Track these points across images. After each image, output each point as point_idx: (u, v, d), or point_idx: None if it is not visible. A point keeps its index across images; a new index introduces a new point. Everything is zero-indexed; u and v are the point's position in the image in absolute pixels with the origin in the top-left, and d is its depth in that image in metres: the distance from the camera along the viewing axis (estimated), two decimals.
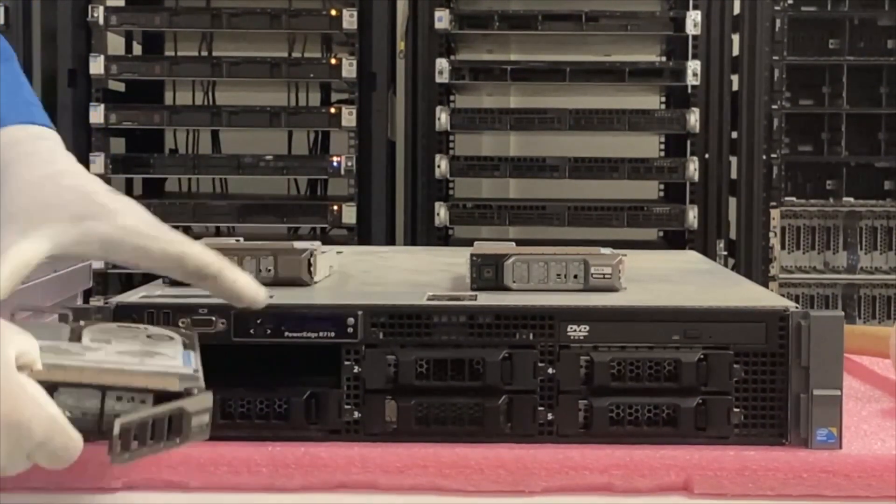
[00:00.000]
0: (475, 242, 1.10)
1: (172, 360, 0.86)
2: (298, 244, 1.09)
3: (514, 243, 1.10)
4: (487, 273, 1.05)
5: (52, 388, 0.82)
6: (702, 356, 0.94)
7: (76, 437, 0.81)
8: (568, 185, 3.50)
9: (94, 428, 0.82)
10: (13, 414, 0.79)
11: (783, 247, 3.59)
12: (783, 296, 1.79)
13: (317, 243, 1.10)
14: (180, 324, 0.94)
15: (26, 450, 0.81)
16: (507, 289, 1.04)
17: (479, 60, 3.66)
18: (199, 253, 0.92)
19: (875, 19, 3.61)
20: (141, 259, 0.92)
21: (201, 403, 0.84)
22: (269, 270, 1.06)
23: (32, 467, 0.82)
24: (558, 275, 1.04)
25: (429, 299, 0.97)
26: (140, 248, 0.92)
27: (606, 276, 1.04)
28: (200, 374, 0.86)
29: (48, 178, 0.94)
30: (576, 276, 1.05)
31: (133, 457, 0.81)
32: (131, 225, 0.92)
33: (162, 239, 0.92)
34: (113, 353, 0.85)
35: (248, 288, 0.92)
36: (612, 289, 1.04)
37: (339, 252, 1.28)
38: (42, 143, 0.98)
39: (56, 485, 0.91)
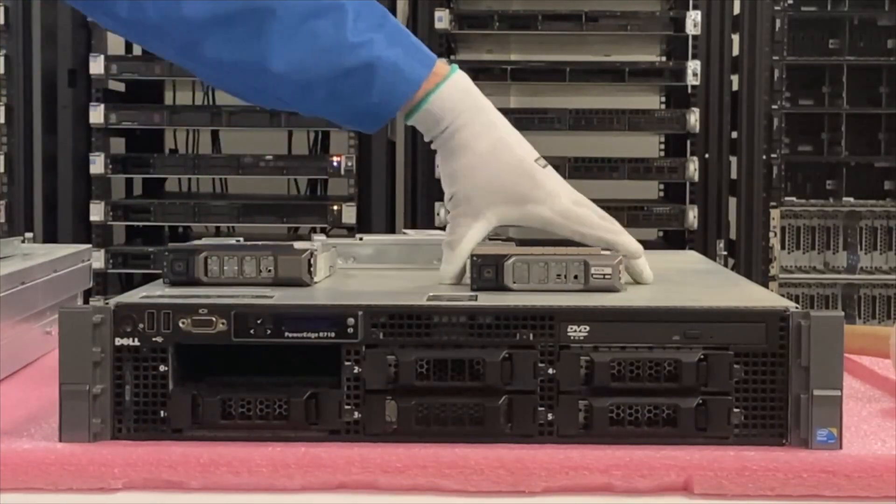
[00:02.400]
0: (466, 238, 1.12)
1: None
2: (299, 244, 1.09)
3: (514, 243, 1.10)
4: (488, 273, 1.05)
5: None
6: (702, 356, 0.94)
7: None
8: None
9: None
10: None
11: (783, 247, 3.59)
12: (783, 296, 1.79)
13: (321, 236, 1.11)
14: (181, 324, 0.94)
15: None
16: (507, 289, 1.04)
17: (479, 60, 3.66)
18: (628, 243, 1.12)
19: (875, 19, 3.61)
20: (577, 239, 1.12)
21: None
22: (269, 270, 1.06)
23: (33, 467, 0.83)
24: (558, 275, 1.05)
25: (429, 299, 0.97)
26: (578, 234, 1.12)
27: (607, 276, 1.05)
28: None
29: (494, 152, 1.13)
30: (576, 277, 1.05)
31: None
32: (567, 210, 1.13)
33: (597, 227, 1.12)
34: None
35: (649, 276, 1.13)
36: (612, 289, 1.04)
37: (360, 238, 1.28)
38: (479, 103, 1.15)
39: (56, 485, 0.91)
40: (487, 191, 1.12)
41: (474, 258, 1.06)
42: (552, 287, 1.04)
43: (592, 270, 1.05)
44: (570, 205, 1.13)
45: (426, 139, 1.15)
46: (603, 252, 1.07)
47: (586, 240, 1.11)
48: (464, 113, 1.13)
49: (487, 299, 0.98)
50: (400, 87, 1.11)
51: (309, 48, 1.09)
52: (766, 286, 3.31)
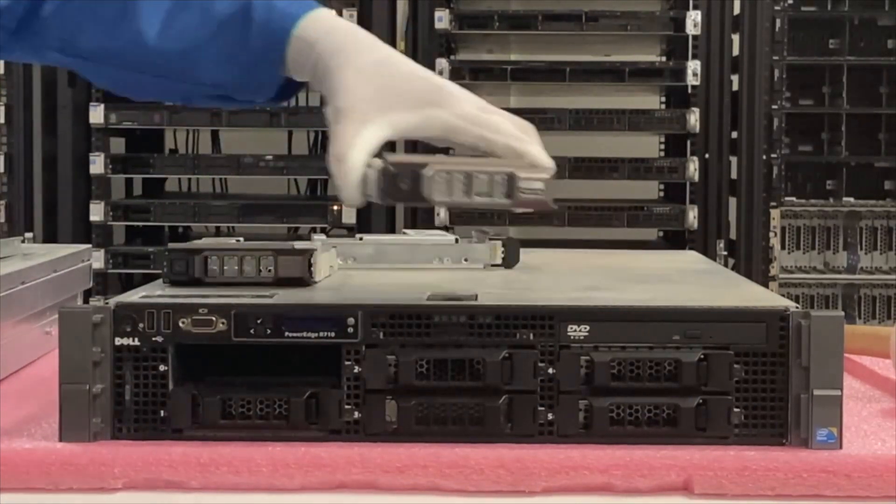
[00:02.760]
0: (384, 154, 0.99)
1: None
2: (299, 244, 1.09)
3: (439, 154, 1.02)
4: (403, 185, 0.96)
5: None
6: (702, 356, 0.94)
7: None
8: (568, 185, 3.50)
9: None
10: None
11: (783, 247, 3.59)
12: (783, 296, 1.79)
13: (321, 236, 1.11)
14: (181, 324, 0.94)
15: None
16: (423, 200, 0.96)
17: (479, 60, 3.66)
18: (538, 154, 0.98)
19: (875, 19, 3.61)
20: (482, 146, 0.98)
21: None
22: (269, 270, 1.06)
23: (33, 467, 0.83)
24: (481, 191, 0.95)
25: (429, 299, 0.97)
26: (484, 140, 0.98)
27: (537, 191, 0.96)
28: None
29: (381, 65, 0.99)
30: (503, 191, 0.96)
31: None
32: (471, 113, 0.99)
33: (503, 132, 0.98)
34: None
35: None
36: (542, 205, 0.96)
37: (360, 238, 1.27)
38: (359, 31, 1.03)
39: (56, 485, 0.91)
40: (376, 99, 0.98)
41: (388, 168, 0.95)
42: (476, 202, 0.96)
43: (521, 184, 0.95)
44: (475, 110, 0.99)
45: (303, 78, 1.04)
46: (534, 164, 0.98)
47: (492, 147, 0.98)
48: (341, 33, 1.02)
49: (488, 298, 0.98)
50: (277, 23, 1.02)
51: (179, 10, 1.04)
52: (766, 286, 3.31)
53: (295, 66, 1.03)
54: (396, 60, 1.01)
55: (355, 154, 0.95)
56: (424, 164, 0.94)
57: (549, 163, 0.98)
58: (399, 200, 0.96)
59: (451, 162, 0.96)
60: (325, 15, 1.03)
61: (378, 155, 0.96)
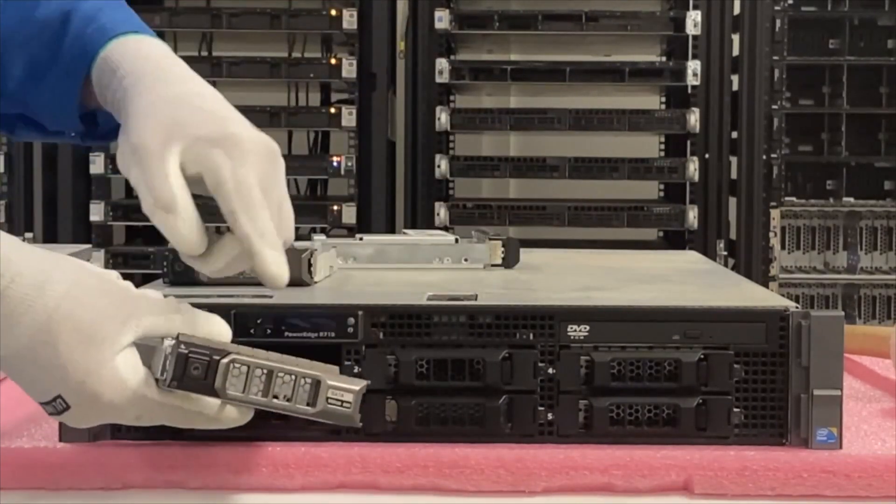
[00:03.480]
0: (180, 334, 0.84)
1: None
2: (299, 244, 1.09)
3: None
4: (195, 371, 0.84)
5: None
6: (702, 356, 0.94)
7: (181, 406, 0.83)
8: (568, 185, 3.50)
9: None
10: (100, 397, 0.81)
11: (783, 247, 3.59)
12: (783, 296, 1.79)
13: (321, 236, 1.10)
14: None
15: (129, 419, 0.84)
16: (214, 392, 0.84)
17: (479, 60, 3.66)
18: (268, 258, 0.86)
19: (875, 19, 3.61)
20: (230, 223, 0.87)
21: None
22: None
23: (33, 467, 0.83)
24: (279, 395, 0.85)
25: (429, 299, 0.97)
26: (232, 214, 0.87)
27: (346, 403, 0.86)
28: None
29: (184, 98, 0.90)
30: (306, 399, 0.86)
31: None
32: (244, 179, 0.86)
33: (252, 209, 0.86)
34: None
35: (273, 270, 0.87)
36: (349, 421, 0.86)
37: (360, 238, 1.27)
38: (175, 64, 0.94)
39: (56, 485, 0.91)
40: (166, 131, 0.87)
41: (181, 348, 0.83)
42: (274, 405, 0.85)
43: (328, 393, 0.85)
44: (254, 178, 0.87)
45: (108, 107, 0.94)
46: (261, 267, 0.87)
47: (232, 221, 0.87)
48: (150, 61, 0.92)
49: (487, 298, 0.98)
50: (89, 38, 0.93)
51: (4, 3, 0.96)
52: (766, 286, 3.31)
53: (100, 92, 0.94)
54: (200, 94, 0.91)
55: (182, 194, 0.86)
56: (225, 352, 0.84)
57: (278, 273, 0.86)
58: (186, 388, 0.83)
59: (258, 355, 0.85)
60: (144, 41, 0.94)
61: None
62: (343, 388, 0.85)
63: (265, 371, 0.84)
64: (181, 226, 0.85)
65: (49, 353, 0.80)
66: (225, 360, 0.84)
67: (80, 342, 0.80)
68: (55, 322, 0.80)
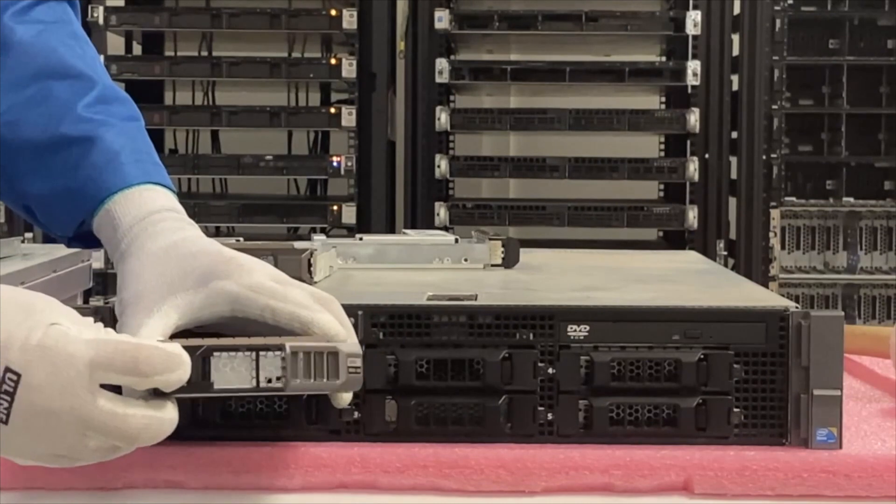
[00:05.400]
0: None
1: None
2: (299, 244, 1.09)
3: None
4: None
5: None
6: (702, 356, 0.94)
7: (133, 426, 0.77)
8: (568, 185, 3.50)
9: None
10: (43, 342, 0.76)
11: (783, 247, 3.59)
12: (783, 296, 1.79)
13: (321, 236, 1.10)
14: None
15: (77, 427, 0.77)
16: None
17: (479, 60, 3.67)
18: (327, 323, 0.87)
19: (875, 19, 3.62)
20: (267, 317, 0.87)
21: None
22: None
23: (32, 467, 0.83)
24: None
25: (429, 299, 0.97)
26: (269, 308, 0.87)
27: (358, 369, 0.86)
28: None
29: (171, 248, 0.91)
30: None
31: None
32: (258, 283, 0.88)
33: (291, 301, 0.87)
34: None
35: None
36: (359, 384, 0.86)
37: (360, 238, 1.27)
38: (167, 217, 0.95)
39: (56, 485, 0.91)
40: (159, 285, 0.89)
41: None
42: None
43: (349, 363, 0.85)
44: (265, 279, 0.89)
45: (107, 249, 0.97)
46: (325, 334, 0.87)
47: (276, 316, 0.87)
48: (144, 223, 0.94)
49: (487, 298, 0.98)
50: (108, 175, 0.96)
51: (34, 104, 0.98)
52: (766, 286, 3.31)
53: (98, 232, 0.97)
54: (189, 240, 0.92)
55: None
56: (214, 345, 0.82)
57: (342, 333, 0.87)
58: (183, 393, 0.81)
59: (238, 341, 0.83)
60: (147, 196, 0.96)
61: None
62: (355, 354, 0.85)
63: (281, 354, 0.81)
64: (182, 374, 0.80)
65: None
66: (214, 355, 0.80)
67: (20, 310, 0.77)
68: None
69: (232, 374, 0.81)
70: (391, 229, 3.50)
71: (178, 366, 0.79)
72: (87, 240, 1.00)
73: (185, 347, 0.79)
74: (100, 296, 3.30)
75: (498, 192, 4.03)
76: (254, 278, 0.88)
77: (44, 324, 0.77)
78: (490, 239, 1.26)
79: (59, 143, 0.97)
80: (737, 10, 3.52)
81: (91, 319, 0.82)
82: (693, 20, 3.42)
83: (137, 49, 3.76)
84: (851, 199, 3.59)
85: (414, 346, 0.94)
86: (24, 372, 0.76)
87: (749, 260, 3.51)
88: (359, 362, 0.85)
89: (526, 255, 1.28)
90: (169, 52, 3.67)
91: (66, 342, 0.77)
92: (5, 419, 0.76)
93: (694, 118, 3.41)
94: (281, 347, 0.81)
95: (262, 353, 0.81)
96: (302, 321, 0.86)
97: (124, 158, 0.97)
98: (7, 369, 0.76)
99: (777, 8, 3.52)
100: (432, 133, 3.46)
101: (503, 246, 1.26)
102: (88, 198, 0.96)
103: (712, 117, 3.46)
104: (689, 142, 3.47)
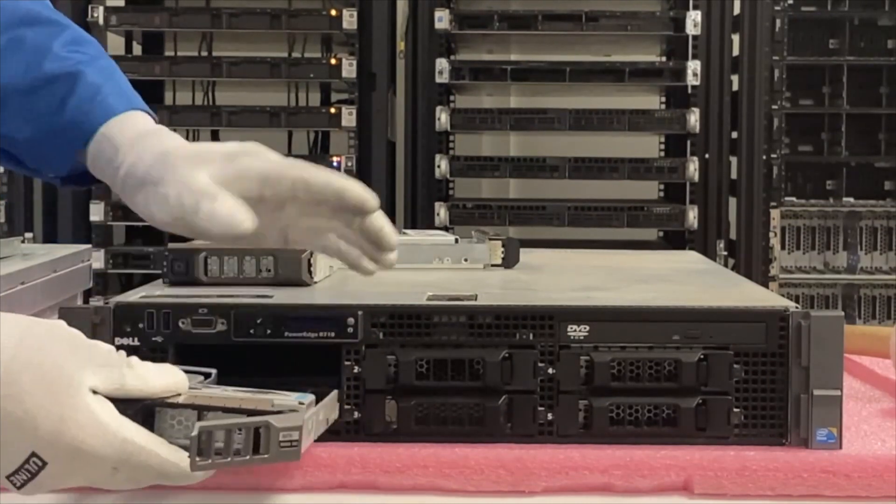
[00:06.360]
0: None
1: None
2: None
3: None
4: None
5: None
6: (702, 356, 0.94)
7: (158, 453, 0.80)
8: (568, 185, 3.50)
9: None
10: (80, 444, 0.77)
11: (783, 247, 3.59)
12: (783, 296, 1.79)
13: None
14: (180, 324, 0.94)
15: (105, 475, 0.79)
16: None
17: (479, 60, 3.66)
18: (360, 190, 0.94)
19: (875, 19, 3.61)
20: (302, 190, 0.93)
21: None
22: (269, 270, 1.06)
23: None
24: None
25: (429, 299, 0.97)
26: (302, 180, 0.93)
27: (293, 443, 0.84)
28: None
29: (187, 143, 0.97)
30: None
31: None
32: (283, 160, 0.94)
33: (323, 171, 0.94)
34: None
35: (391, 233, 0.97)
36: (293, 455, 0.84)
37: None
38: (169, 132, 1.01)
39: None
40: (189, 159, 0.95)
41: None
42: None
43: (280, 437, 0.82)
44: (284, 158, 0.97)
45: (101, 175, 1.01)
46: (358, 203, 0.94)
47: (312, 186, 0.93)
48: (156, 133, 1.00)
49: (487, 299, 0.98)
50: (96, 106, 1.00)
51: (9, 52, 1.00)
52: (766, 286, 3.31)
53: (93, 161, 1.00)
54: (198, 142, 0.99)
55: (214, 187, 0.92)
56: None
57: (374, 200, 0.95)
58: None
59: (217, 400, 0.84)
60: (139, 118, 1.02)
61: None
62: (291, 428, 0.81)
63: (237, 429, 0.80)
64: (230, 204, 0.91)
65: (14, 407, 0.76)
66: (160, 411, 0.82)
67: (47, 389, 0.77)
68: (15, 373, 0.77)
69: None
70: None
71: (185, 479, 0.82)
72: (81, 178, 1.03)
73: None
74: (100, 296, 3.29)
75: (498, 192, 4.03)
76: (273, 156, 0.95)
77: (74, 409, 0.77)
78: (490, 239, 1.26)
79: (43, 83, 1.00)
80: (737, 10, 3.52)
81: (119, 356, 0.82)
82: (693, 20, 3.41)
83: (137, 49, 3.76)
84: (851, 199, 3.59)
85: (414, 346, 0.94)
86: (50, 463, 0.77)
87: (749, 260, 3.51)
88: (295, 435, 0.81)
89: (526, 255, 1.28)
90: (169, 52, 3.67)
91: (95, 442, 0.78)
92: (18, 487, 0.79)
93: (694, 118, 3.41)
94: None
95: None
96: (335, 188, 0.93)
97: (107, 90, 1.00)
98: (34, 454, 0.77)
99: (777, 8, 3.51)
100: (432, 133, 3.45)
101: (503, 246, 1.26)
102: (80, 131, 0.99)
103: (712, 117, 3.46)
104: (689, 142, 3.47)
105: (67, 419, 0.77)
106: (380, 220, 0.97)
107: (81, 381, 0.78)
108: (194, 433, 0.78)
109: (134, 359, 0.83)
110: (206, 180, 0.92)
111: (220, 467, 0.80)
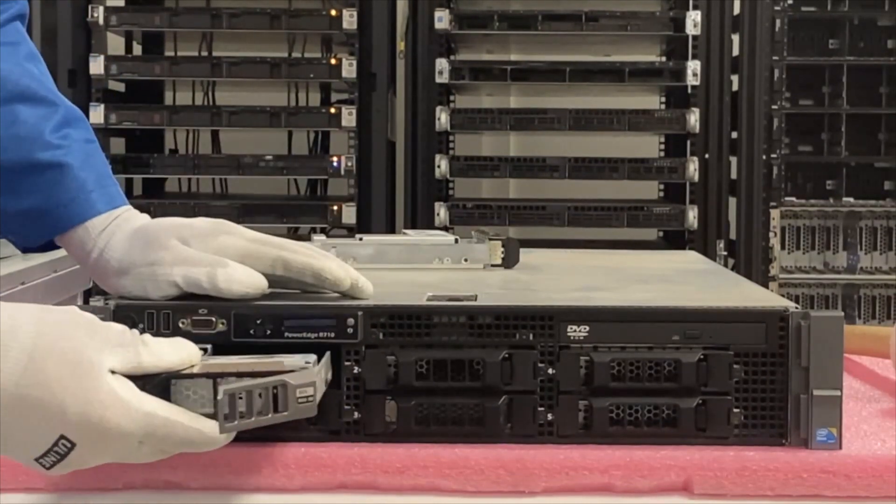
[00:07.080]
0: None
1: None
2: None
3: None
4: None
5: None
6: (702, 356, 0.94)
7: (182, 422, 0.83)
8: (568, 185, 3.50)
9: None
10: (106, 423, 0.80)
11: (783, 247, 3.59)
12: (783, 296, 1.79)
13: (321, 236, 1.10)
14: (180, 324, 0.94)
15: (131, 449, 0.83)
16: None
17: (479, 60, 3.67)
18: (337, 269, 0.96)
19: (875, 19, 3.62)
20: (281, 269, 0.96)
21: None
22: None
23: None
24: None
25: (429, 299, 0.97)
26: (281, 259, 0.96)
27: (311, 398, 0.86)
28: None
29: (159, 220, 1.00)
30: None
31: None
32: (263, 237, 0.97)
33: (301, 252, 0.97)
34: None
35: (368, 290, 0.98)
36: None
37: (360, 238, 1.27)
38: (138, 213, 1.05)
39: (56, 485, 0.91)
40: (173, 230, 0.98)
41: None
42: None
43: (297, 394, 0.84)
44: (262, 235, 0.99)
45: (76, 257, 1.04)
46: (335, 282, 0.96)
47: (290, 266, 0.96)
48: (126, 215, 1.04)
49: (487, 299, 0.98)
50: (79, 204, 1.03)
51: (3, 127, 1.04)
52: (766, 286, 3.31)
53: (67, 245, 1.05)
54: (171, 218, 1.01)
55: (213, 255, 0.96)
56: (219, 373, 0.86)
57: (355, 276, 0.97)
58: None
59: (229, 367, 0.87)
60: (114, 213, 1.04)
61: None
62: (306, 384, 0.85)
63: (258, 391, 0.83)
64: (243, 271, 0.95)
65: (42, 393, 0.79)
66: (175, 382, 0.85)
67: (71, 372, 0.80)
68: (39, 361, 0.80)
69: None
70: (391, 229, 3.50)
71: (210, 444, 0.85)
72: (45, 247, 1.07)
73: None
74: (100, 296, 3.29)
75: (498, 192, 4.03)
76: (251, 234, 0.98)
77: (98, 390, 0.81)
78: (490, 239, 1.26)
79: (32, 168, 1.03)
80: (737, 10, 3.52)
81: (133, 335, 0.85)
82: (693, 20, 3.42)
83: (137, 49, 3.76)
84: (851, 199, 3.59)
85: (414, 346, 0.94)
86: (79, 444, 0.81)
87: (749, 260, 3.51)
88: (310, 391, 0.84)
89: (526, 255, 1.28)
90: (169, 52, 3.67)
91: (120, 420, 0.81)
92: (47, 468, 0.82)
93: (694, 118, 3.41)
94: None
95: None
96: (314, 269, 0.96)
97: (91, 186, 1.04)
98: (62, 437, 0.81)
99: (777, 8, 3.52)
100: (432, 133, 3.46)
101: (503, 246, 1.26)
102: (60, 220, 1.03)
103: (712, 117, 3.46)
104: (689, 142, 3.47)
105: (93, 400, 0.80)
106: (361, 287, 0.98)
107: (102, 364, 0.81)
108: (220, 397, 0.82)
109: (147, 336, 0.86)
110: (199, 253, 0.96)
111: (245, 428, 0.83)
